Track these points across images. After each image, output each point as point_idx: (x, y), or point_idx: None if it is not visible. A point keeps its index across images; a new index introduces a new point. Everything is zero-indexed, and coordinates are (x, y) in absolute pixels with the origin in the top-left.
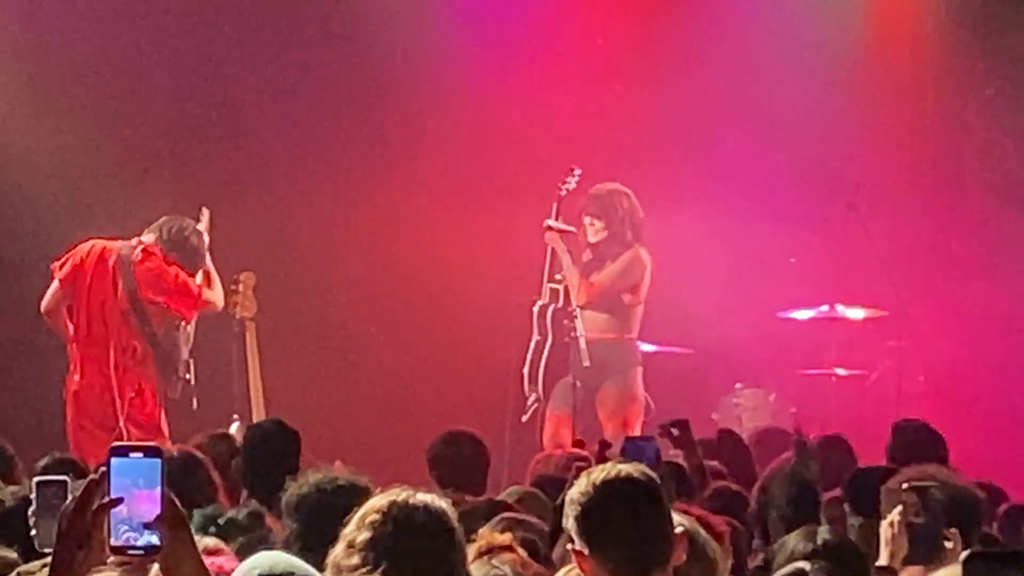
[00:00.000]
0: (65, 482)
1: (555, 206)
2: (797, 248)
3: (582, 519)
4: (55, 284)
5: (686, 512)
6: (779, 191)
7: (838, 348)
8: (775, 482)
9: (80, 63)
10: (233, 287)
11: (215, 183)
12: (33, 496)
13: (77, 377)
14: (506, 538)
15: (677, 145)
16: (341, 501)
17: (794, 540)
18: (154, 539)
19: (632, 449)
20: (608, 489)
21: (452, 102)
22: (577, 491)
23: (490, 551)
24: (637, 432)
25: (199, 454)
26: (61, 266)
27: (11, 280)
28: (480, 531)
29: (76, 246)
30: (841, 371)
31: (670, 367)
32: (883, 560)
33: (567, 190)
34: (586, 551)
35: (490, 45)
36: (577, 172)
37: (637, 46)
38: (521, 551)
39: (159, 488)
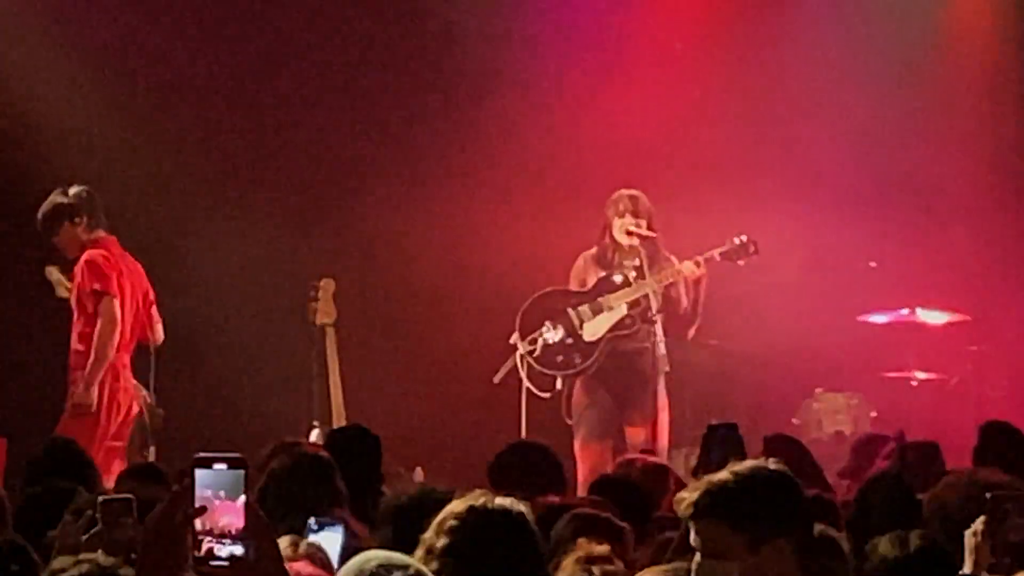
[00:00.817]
0: (130, 500)
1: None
2: (877, 252)
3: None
4: (116, 301)
5: None
6: (858, 195)
7: (918, 352)
8: (876, 489)
9: (173, 79)
10: (313, 293)
11: (295, 191)
12: (98, 514)
13: (121, 382)
14: (605, 549)
15: (755, 149)
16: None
17: (885, 545)
18: (237, 550)
19: (718, 437)
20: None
21: (530, 110)
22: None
23: (589, 560)
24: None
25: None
26: (108, 283)
27: None
28: (579, 540)
29: (105, 259)
30: (921, 375)
31: (750, 372)
32: (967, 569)
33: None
34: None
35: (570, 52)
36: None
37: (715, 51)
38: (619, 562)
39: (243, 499)
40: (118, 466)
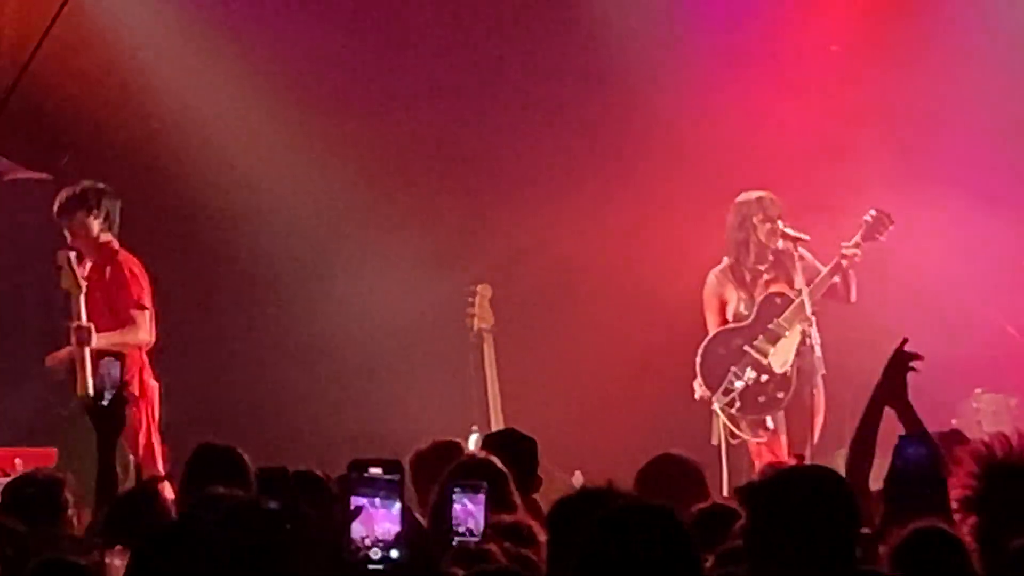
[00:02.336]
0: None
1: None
2: None
3: None
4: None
5: None
6: (1014, 193)
7: None
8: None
9: (332, 84)
10: (470, 299)
11: (453, 196)
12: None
13: (153, 381)
14: None
15: (907, 148)
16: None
17: None
18: (393, 554)
19: (910, 449)
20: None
21: (685, 112)
22: None
23: None
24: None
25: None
26: (150, 297)
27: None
28: None
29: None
30: None
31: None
32: None
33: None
34: None
35: (719, 53)
36: None
37: (868, 52)
38: None
39: (398, 504)
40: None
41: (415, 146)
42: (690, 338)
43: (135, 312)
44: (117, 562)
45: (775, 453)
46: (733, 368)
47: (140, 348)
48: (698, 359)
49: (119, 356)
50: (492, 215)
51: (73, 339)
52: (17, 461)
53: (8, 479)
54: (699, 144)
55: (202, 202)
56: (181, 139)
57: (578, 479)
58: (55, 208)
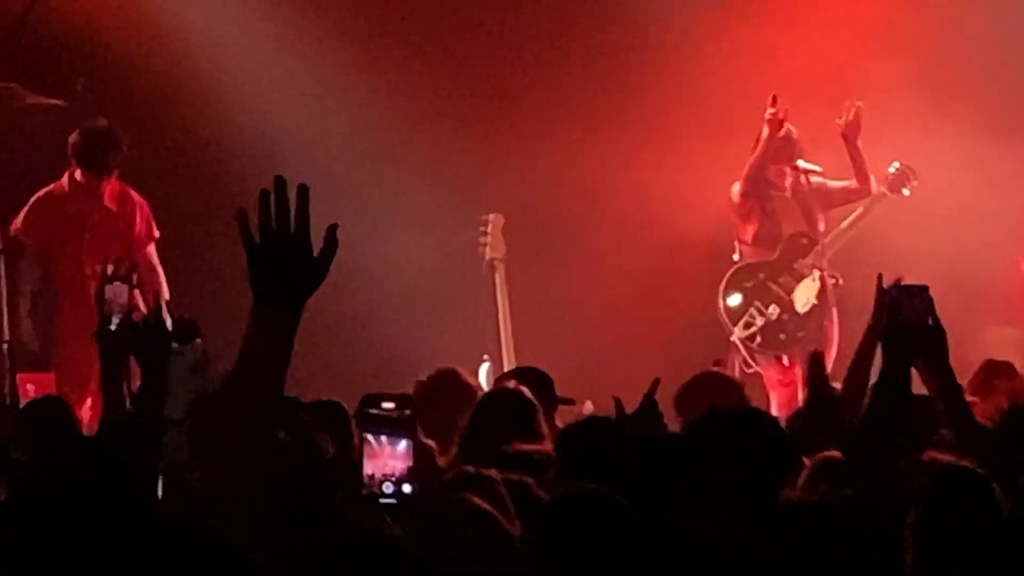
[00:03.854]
0: None
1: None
2: None
3: None
4: None
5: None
6: None
7: None
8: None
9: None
10: (483, 228)
11: (466, 126)
12: None
13: None
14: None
15: (919, 85)
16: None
17: None
18: (405, 488)
19: (907, 298)
20: None
21: (696, 45)
22: None
23: None
24: None
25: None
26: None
27: None
28: None
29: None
30: None
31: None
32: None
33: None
34: None
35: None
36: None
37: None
38: None
39: (408, 439)
40: None
41: (429, 80)
42: (702, 270)
43: (147, 247)
44: None
45: (792, 385)
46: (756, 303)
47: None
48: (722, 287)
49: (127, 281)
50: (505, 146)
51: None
52: (29, 387)
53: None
54: (713, 78)
55: (214, 135)
56: (196, 70)
57: (588, 409)
58: (81, 151)
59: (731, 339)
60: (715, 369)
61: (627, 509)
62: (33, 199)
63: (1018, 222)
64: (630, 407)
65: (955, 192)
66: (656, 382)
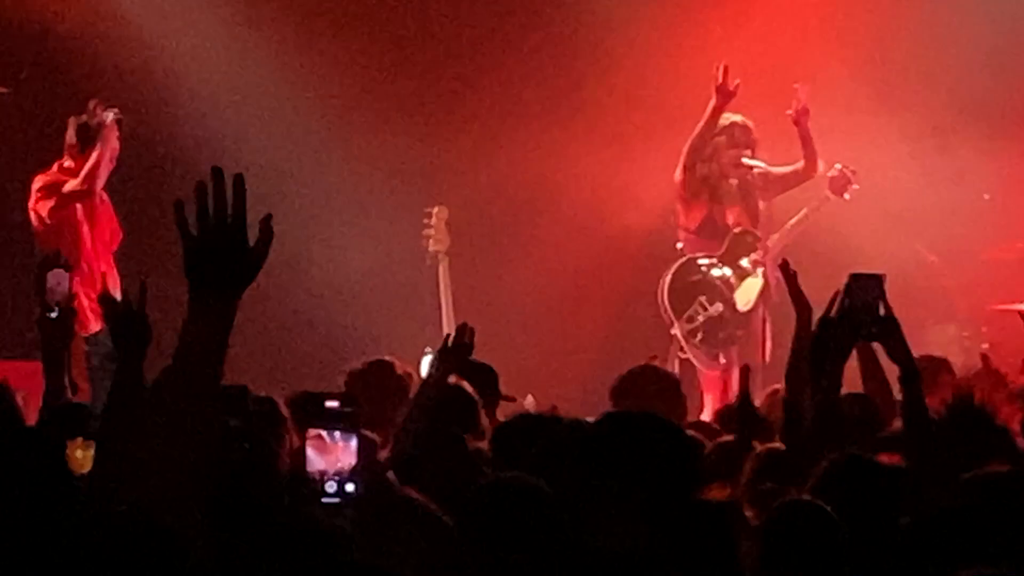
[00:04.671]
0: None
1: None
2: (990, 185)
3: None
4: None
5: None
6: (972, 126)
7: None
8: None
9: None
10: (426, 221)
11: (413, 118)
12: None
13: None
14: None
15: (864, 85)
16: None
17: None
18: (349, 488)
19: (858, 286)
20: None
21: (641, 44)
22: None
23: None
24: None
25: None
26: None
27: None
28: None
29: None
30: None
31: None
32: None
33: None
34: None
35: None
36: None
37: None
38: None
39: (355, 437)
40: None
41: (377, 73)
42: (645, 265)
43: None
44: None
45: (726, 385)
46: (701, 298)
47: None
48: (668, 279)
49: (68, 267)
50: (451, 139)
51: None
52: None
53: None
54: (657, 73)
55: (162, 126)
56: (144, 61)
57: (530, 403)
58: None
59: (671, 331)
60: (652, 363)
61: (550, 498)
62: (41, 183)
63: (958, 221)
64: (569, 401)
65: (896, 190)
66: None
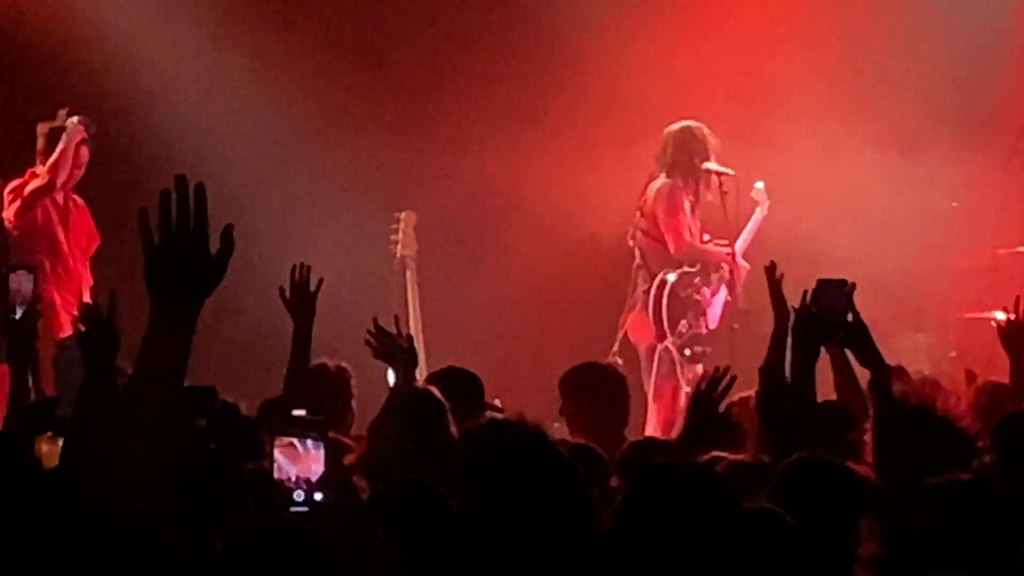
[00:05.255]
0: None
1: None
2: (958, 194)
3: None
4: None
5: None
6: (941, 133)
7: (998, 292)
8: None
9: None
10: (394, 226)
11: (381, 125)
12: None
13: None
14: None
15: (833, 94)
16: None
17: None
18: (317, 496)
19: (825, 291)
20: None
21: (607, 49)
22: None
23: None
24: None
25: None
26: None
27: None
28: None
29: None
30: (1000, 315)
31: None
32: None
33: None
34: None
35: None
36: None
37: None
38: None
39: (323, 446)
40: None
41: (347, 80)
42: (611, 271)
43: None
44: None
45: (675, 396)
46: (690, 313)
47: None
48: (667, 292)
49: (31, 270)
50: (419, 146)
51: None
52: None
53: None
54: (623, 80)
55: (131, 133)
56: (116, 66)
57: (497, 406)
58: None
59: (665, 344)
60: (606, 361)
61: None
62: (8, 188)
63: (927, 229)
64: (536, 407)
65: (866, 199)
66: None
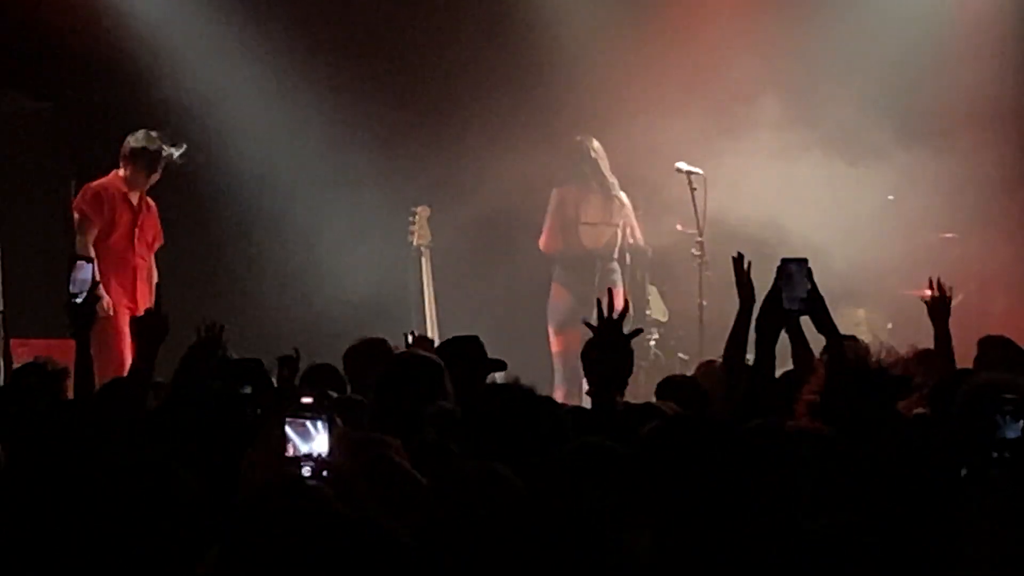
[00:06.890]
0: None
1: None
2: (895, 187)
3: None
4: None
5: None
6: (879, 139)
7: (927, 272)
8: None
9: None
10: (410, 218)
11: (396, 125)
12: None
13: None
14: None
15: (780, 94)
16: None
17: None
18: (325, 474)
19: (788, 269)
20: None
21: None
22: None
23: None
24: None
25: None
26: None
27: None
28: None
29: None
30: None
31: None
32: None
33: None
34: None
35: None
36: None
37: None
38: None
39: (330, 428)
40: None
41: (369, 77)
42: None
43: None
44: None
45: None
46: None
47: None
48: (654, 293)
49: (90, 260)
50: (437, 147)
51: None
52: (20, 351)
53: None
54: (600, 83)
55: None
56: (157, 73)
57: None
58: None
59: (651, 344)
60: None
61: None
62: (94, 185)
63: (866, 221)
64: (542, 381)
65: (812, 195)
66: None
